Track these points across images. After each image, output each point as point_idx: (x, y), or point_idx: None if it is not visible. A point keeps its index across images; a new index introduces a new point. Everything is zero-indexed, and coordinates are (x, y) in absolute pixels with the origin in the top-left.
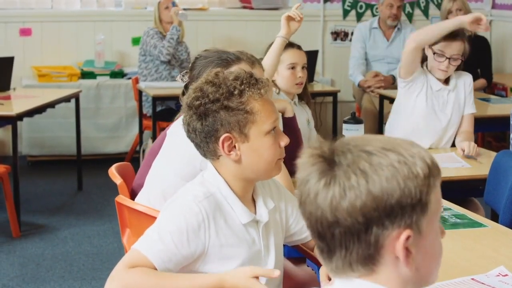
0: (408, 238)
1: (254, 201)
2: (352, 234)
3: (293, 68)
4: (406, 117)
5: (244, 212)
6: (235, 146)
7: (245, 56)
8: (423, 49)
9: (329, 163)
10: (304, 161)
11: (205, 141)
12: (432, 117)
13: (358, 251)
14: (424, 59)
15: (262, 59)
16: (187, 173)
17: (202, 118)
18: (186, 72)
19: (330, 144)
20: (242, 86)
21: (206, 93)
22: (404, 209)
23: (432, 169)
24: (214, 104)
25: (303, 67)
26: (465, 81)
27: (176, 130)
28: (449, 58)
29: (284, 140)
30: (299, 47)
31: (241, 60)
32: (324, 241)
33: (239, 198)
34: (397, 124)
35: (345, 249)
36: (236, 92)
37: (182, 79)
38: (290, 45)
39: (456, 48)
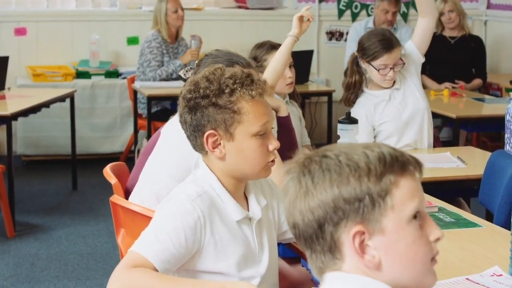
0: (359, 233)
1: (246, 198)
2: (310, 234)
3: None
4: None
5: (237, 208)
6: (220, 144)
7: (254, 64)
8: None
9: (294, 169)
10: (284, 170)
11: (194, 134)
12: (400, 119)
13: (319, 249)
14: (353, 84)
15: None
16: (181, 175)
17: (192, 112)
18: (190, 68)
19: (306, 153)
20: (235, 85)
21: (198, 88)
22: (350, 204)
23: (391, 166)
24: (203, 99)
25: (290, 66)
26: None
27: (169, 130)
28: (392, 68)
29: (274, 144)
30: None
31: (250, 67)
32: (298, 242)
33: (231, 195)
34: None
35: (310, 249)
36: (227, 90)
37: (185, 75)
38: (274, 47)
39: (396, 56)
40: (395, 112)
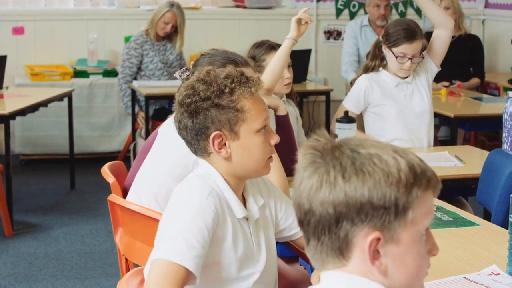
0: (376, 240)
1: (244, 198)
2: (324, 225)
3: None
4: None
5: (239, 206)
6: (225, 144)
7: (252, 63)
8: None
9: (319, 155)
10: (300, 151)
11: (196, 138)
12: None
13: (328, 243)
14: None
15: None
16: (179, 174)
17: (193, 116)
18: (186, 68)
19: (328, 138)
20: (233, 84)
21: (197, 91)
22: (375, 210)
23: (419, 179)
24: (205, 102)
25: (288, 67)
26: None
27: (167, 129)
28: (411, 58)
29: (275, 139)
30: None
31: (248, 65)
32: (303, 227)
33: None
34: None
35: (317, 239)
36: (227, 90)
37: (180, 76)
38: (273, 47)
39: (416, 47)
40: (396, 102)
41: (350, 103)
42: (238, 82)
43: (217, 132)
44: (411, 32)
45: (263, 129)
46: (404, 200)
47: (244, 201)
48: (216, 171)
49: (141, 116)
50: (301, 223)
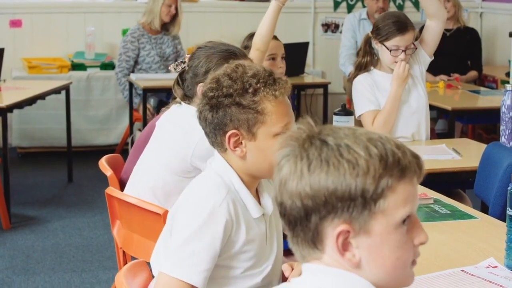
0: (345, 232)
1: (257, 193)
2: (295, 218)
3: (273, 59)
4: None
5: (255, 206)
6: (241, 143)
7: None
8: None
9: (294, 146)
10: (280, 142)
11: (214, 132)
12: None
13: (301, 235)
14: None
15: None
16: (177, 167)
17: (214, 110)
18: (181, 61)
19: (307, 128)
20: (258, 85)
21: (221, 86)
22: (341, 202)
23: (391, 169)
24: (226, 98)
25: (282, 58)
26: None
27: (165, 123)
28: (404, 50)
29: None
30: (276, 38)
31: (247, 57)
32: (282, 219)
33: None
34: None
35: (292, 231)
36: (250, 90)
37: (175, 69)
38: None
39: (409, 39)
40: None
41: (368, 104)
42: (263, 83)
43: (234, 130)
44: (402, 24)
45: (283, 133)
46: (372, 190)
47: (258, 196)
48: (231, 169)
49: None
50: (280, 215)
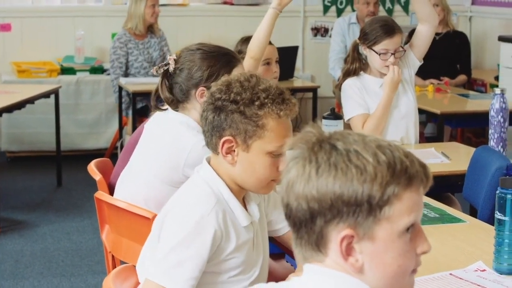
0: (349, 236)
1: (243, 200)
2: (300, 220)
3: (268, 64)
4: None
5: (244, 214)
6: (234, 151)
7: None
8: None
9: (303, 149)
10: (290, 144)
11: (211, 133)
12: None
13: (306, 237)
14: (348, 72)
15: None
16: (167, 177)
17: (216, 112)
18: (164, 64)
19: (317, 131)
20: (266, 100)
21: (230, 90)
22: (347, 207)
23: (398, 177)
24: (232, 104)
25: (276, 61)
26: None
27: (153, 127)
28: (393, 53)
29: (283, 166)
30: (270, 42)
31: (241, 62)
32: (287, 220)
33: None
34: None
35: (296, 233)
36: (257, 102)
37: (157, 72)
38: None
39: (397, 41)
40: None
41: (357, 108)
42: (271, 100)
43: (230, 137)
44: (390, 27)
45: (276, 153)
46: (378, 197)
47: (245, 203)
48: (219, 178)
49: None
50: (285, 216)
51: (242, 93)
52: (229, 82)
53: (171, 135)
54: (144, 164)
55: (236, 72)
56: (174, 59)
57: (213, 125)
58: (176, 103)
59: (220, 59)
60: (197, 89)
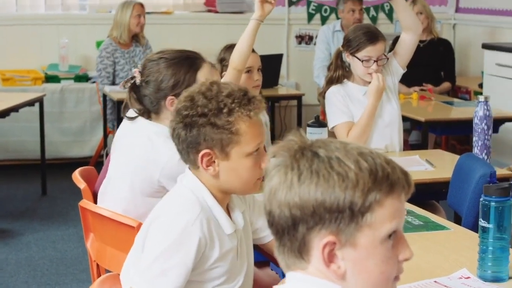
0: (331, 243)
1: (227, 208)
2: (282, 227)
3: (249, 71)
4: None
5: (228, 222)
6: (214, 162)
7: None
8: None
9: (285, 156)
10: (272, 151)
11: (186, 150)
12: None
13: (288, 244)
14: (331, 80)
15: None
16: (142, 188)
17: (187, 128)
18: (131, 77)
19: (299, 139)
20: (233, 105)
21: (196, 104)
22: (329, 214)
23: (380, 184)
24: (201, 118)
25: (258, 70)
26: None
27: (121, 138)
28: (376, 61)
29: (266, 161)
30: (253, 50)
31: (206, 60)
32: (269, 228)
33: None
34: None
35: (279, 240)
36: (225, 110)
37: (124, 86)
38: None
39: (380, 49)
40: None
41: (341, 116)
42: (238, 103)
43: (207, 150)
44: (373, 34)
45: (255, 152)
46: (360, 204)
47: (229, 211)
48: (203, 186)
49: None
50: (268, 223)
51: (208, 104)
52: (192, 97)
53: (143, 147)
54: (120, 177)
55: (202, 73)
56: (140, 72)
57: (187, 143)
58: (148, 113)
59: (183, 65)
60: (166, 99)
